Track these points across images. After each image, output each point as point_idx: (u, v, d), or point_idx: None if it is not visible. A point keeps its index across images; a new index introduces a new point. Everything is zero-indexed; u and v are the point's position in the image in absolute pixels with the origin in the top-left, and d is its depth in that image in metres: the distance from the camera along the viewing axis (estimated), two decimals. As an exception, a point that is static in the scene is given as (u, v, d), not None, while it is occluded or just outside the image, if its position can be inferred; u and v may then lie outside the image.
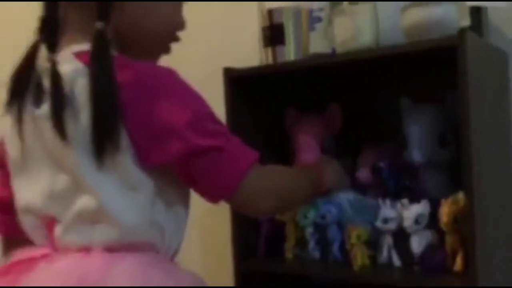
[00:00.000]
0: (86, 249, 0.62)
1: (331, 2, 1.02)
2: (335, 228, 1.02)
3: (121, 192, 0.62)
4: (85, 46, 0.63)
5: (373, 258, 0.97)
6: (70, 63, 0.62)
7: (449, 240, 0.87)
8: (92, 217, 0.62)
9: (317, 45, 1.08)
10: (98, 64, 0.60)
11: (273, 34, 1.06)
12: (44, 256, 0.63)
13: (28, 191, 0.66)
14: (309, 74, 1.09)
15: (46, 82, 0.63)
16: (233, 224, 1.06)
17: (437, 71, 1.00)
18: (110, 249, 0.61)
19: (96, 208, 0.61)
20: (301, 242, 1.06)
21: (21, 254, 0.66)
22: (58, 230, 0.63)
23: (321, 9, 1.10)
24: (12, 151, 0.68)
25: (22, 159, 0.67)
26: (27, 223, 0.67)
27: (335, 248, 1.01)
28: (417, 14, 0.89)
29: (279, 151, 1.13)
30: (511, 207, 0.99)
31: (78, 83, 0.61)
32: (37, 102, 0.63)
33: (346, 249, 0.98)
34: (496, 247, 0.90)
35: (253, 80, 1.09)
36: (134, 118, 0.60)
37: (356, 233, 0.97)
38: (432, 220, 0.90)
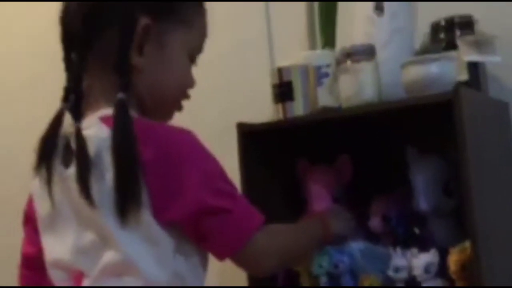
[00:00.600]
0: None
1: (336, 60, 1.08)
2: (348, 278, 1.04)
3: (144, 246, 0.66)
4: (109, 111, 0.69)
5: (387, 307, 0.98)
6: (96, 127, 0.69)
7: None
8: (118, 270, 0.66)
9: (326, 98, 1.14)
10: (120, 128, 0.66)
11: (283, 91, 1.12)
12: None
13: (57, 247, 0.71)
14: (318, 127, 1.15)
15: (74, 145, 0.69)
16: (249, 275, 1.09)
17: (439, 122, 1.04)
18: None
19: (121, 261, 0.66)
20: (316, 292, 1.08)
21: None
22: (86, 283, 0.68)
23: (328, 65, 1.16)
24: (41, 208, 0.73)
25: (51, 216, 0.72)
26: (56, 277, 0.72)
27: (349, 297, 1.03)
28: (416, 71, 0.94)
29: (291, 200, 1.17)
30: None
31: (103, 145, 0.67)
32: (66, 163, 0.70)
33: (360, 298, 1.00)
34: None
35: (265, 134, 1.15)
36: (152, 178, 0.65)
37: (369, 282, 0.99)
38: (442, 269, 0.92)
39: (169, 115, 0.78)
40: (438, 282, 0.92)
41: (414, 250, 0.95)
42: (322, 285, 1.06)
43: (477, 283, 0.83)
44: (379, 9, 1.07)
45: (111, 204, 0.66)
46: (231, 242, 0.68)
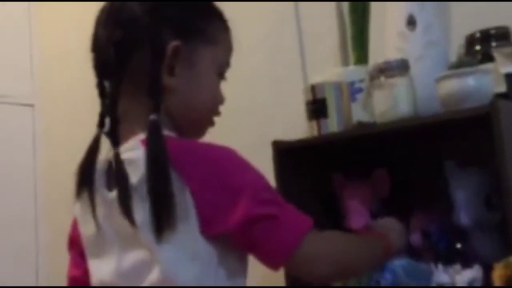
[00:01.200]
0: None
1: (370, 76, 1.09)
2: (390, 294, 1.03)
3: (186, 263, 0.67)
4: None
5: (430, 324, 0.96)
6: (138, 150, 0.70)
7: (505, 305, 0.87)
8: None
9: (360, 114, 1.14)
10: (152, 148, 0.68)
11: (317, 108, 1.13)
12: None
13: (102, 269, 0.73)
14: (353, 143, 1.15)
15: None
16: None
17: (480, 134, 1.03)
18: None
19: (163, 280, 0.67)
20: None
21: None
22: None
23: (361, 81, 1.17)
24: (86, 232, 0.76)
25: (95, 239, 0.74)
26: None
27: (391, 314, 1.01)
28: (451, 85, 0.93)
29: (328, 217, 1.16)
30: None
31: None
32: (109, 187, 0.72)
33: (402, 316, 0.99)
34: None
35: (300, 151, 1.15)
36: (199, 194, 0.67)
37: (410, 299, 0.97)
38: (487, 285, 0.90)
39: (202, 132, 0.79)
40: (483, 299, 0.91)
41: (457, 266, 0.93)
42: (363, 302, 1.05)
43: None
44: (411, 24, 1.07)
45: (151, 223, 0.67)
46: (281, 247, 0.68)
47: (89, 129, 0.76)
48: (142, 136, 0.71)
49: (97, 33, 0.76)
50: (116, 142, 0.72)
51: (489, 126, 0.87)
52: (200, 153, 0.70)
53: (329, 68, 1.30)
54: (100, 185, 0.73)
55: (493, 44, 1.02)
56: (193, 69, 0.75)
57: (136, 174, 0.69)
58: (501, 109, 0.85)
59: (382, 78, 1.02)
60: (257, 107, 1.45)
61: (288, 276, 1.09)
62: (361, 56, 1.24)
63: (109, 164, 0.72)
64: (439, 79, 0.96)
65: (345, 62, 1.34)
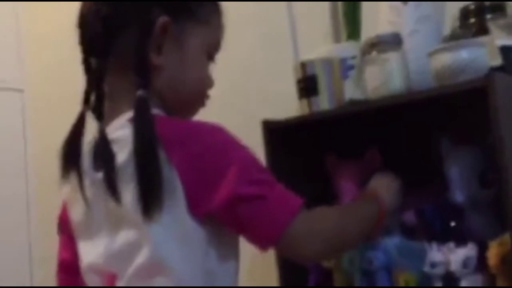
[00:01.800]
0: None
1: (362, 51, 1.06)
2: (383, 274, 1.01)
3: (175, 244, 0.66)
4: None
5: (424, 304, 0.95)
6: (126, 129, 0.68)
7: (500, 283, 0.85)
8: (150, 271, 0.66)
9: (353, 91, 1.11)
10: (140, 124, 0.67)
11: (307, 85, 1.10)
12: None
13: (91, 251, 0.72)
14: (345, 121, 1.12)
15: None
16: (280, 273, 1.08)
17: (474, 110, 1.00)
18: None
19: (152, 261, 0.66)
20: (350, 289, 1.05)
21: None
22: (119, 285, 0.68)
23: (353, 57, 1.14)
24: (75, 214, 0.74)
25: (85, 221, 0.73)
26: (91, 281, 0.72)
27: (384, 294, 1.00)
28: (445, 58, 0.90)
29: (320, 196, 1.14)
30: None
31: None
32: (97, 167, 0.70)
33: (396, 295, 0.97)
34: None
35: (291, 131, 1.13)
36: (187, 172, 0.65)
37: (404, 278, 0.96)
38: (481, 263, 0.88)
39: (192, 112, 0.78)
40: (477, 278, 0.89)
41: (451, 245, 0.91)
42: (356, 282, 1.03)
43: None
44: (404, -3, 1.04)
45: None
46: (269, 228, 0.66)
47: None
48: (129, 114, 0.70)
49: (84, 9, 0.74)
50: (100, 117, 0.71)
51: (484, 101, 0.84)
52: (186, 131, 0.69)
53: (321, 45, 1.27)
54: (88, 166, 0.71)
55: (488, 16, 0.99)
56: (182, 49, 0.74)
57: (123, 152, 0.68)
58: (497, 82, 0.82)
59: (374, 53, 0.99)
60: (248, 86, 1.42)
61: (279, 259, 1.07)
62: (353, 32, 1.21)
63: (96, 144, 0.70)
64: (432, 53, 0.93)
65: (337, 39, 1.31)
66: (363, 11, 1.20)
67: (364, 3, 1.20)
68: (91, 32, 0.72)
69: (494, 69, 0.90)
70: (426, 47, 0.97)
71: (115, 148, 0.68)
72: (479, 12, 1.01)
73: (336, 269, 1.07)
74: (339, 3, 1.26)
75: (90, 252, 0.72)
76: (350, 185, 1.12)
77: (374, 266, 1.00)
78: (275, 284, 1.08)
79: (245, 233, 0.69)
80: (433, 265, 0.92)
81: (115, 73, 0.72)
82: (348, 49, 1.15)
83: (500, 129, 0.81)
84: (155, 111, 0.70)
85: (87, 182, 0.71)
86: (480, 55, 0.90)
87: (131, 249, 0.67)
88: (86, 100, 0.72)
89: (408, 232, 1.04)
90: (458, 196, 0.94)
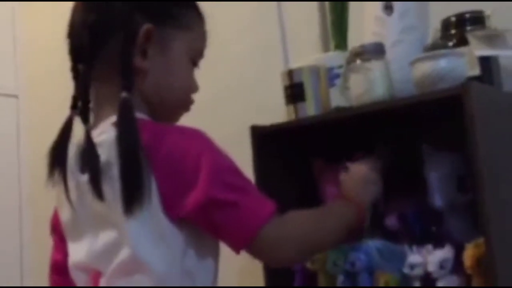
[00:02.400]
0: None
1: (346, 60, 1.09)
2: (366, 276, 1.04)
3: (154, 243, 0.68)
4: None
5: (404, 305, 0.97)
6: (110, 132, 0.71)
7: (475, 283, 0.88)
8: (129, 268, 0.68)
9: (339, 99, 1.15)
10: (123, 124, 0.69)
11: (294, 92, 1.14)
12: None
13: (77, 250, 0.74)
14: (331, 128, 1.15)
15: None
16: (266, 275, 1.10)
17: (453, 118, 1.03)
18: None
19: (132, 259, 0.68)
20: (334, 291, 1.08)
21: None
22: (102, 282, 0.71)
23: (340, 67, 1.17)
24: (64, 215, 0.77)
25: (72, 222, 0.75)
26: (77, 279, 0.75)
27: (366, 295, 1.02)
28: (425, 67, 0.94)
29: (307, 201, 1.16)
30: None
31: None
32: (83, 170, 0.72)
33: (377, 296, 1.00)
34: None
35: (279, 136, 1.16)
36: (163, 174, 0.68)
37: (384, 279, 0.99)
38: (458, 265, 0.91)
39: (176, 117, 0.80)
40: (454, 278, 0.92)
41: (429, 247, 0.94)
42: (339, 284, 1.06)
43: (492, 278, 0.81)
44: (388, 9, 1.07)
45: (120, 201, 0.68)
46: (240, 235, 0.69)
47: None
48: (114, 118, 0.72)
49: (73, 20, 0.77)
50: (86, 121, 0.73)
51: (462, 109, 0.87)
52: (164, 134, 0.71)
53: (311, 54, 1.30)
54: (75, 168, 0.74)
55: (468, 28, 1.03)
56: (166, 54, 0.76)
57: (107, 154, 0.70)
58: (473, 91, 0.86)
59: (358, 62, 1.03)
60: (238, 92, 1.45)
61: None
62: (341, 42, 1.24)
63: (82, 147, 0.73)
64: (414, 62, 0.97)
65: (325, 49, 1.35)
66: (351, 22, 1.24)
67: (351, 14, 1.24)
68: (78, 40, 0.75)
69: (471, 79, 0.93)
70: (410, 57, 1.01)
71: (100, 151, 0.70)
72: (460, 24, 1.04)
73: (321, 271, 1.10)
74: (328, 12, 1.30)
75: (76, 251, 0.75)
76: (336, 190, 1.15)
77: (357, 267, 1.03)
78: (262, 285, 1.10)
79: (218, 236, 0.71)
80: (412, 266, 0.95)
81: (102, 78, 0.75)
82: (335, 58, 1.18)
83: (475, 136, 0.84)
84: (141, 115, 0.72)
85: (73, 184, 0.73)
86: (459, 64, 0.94)
87: (112, 248, 0.70)
88: (74, 105, 0.75)
89: (391, 236, 1.07)
90: (437, 200, 0.97)
